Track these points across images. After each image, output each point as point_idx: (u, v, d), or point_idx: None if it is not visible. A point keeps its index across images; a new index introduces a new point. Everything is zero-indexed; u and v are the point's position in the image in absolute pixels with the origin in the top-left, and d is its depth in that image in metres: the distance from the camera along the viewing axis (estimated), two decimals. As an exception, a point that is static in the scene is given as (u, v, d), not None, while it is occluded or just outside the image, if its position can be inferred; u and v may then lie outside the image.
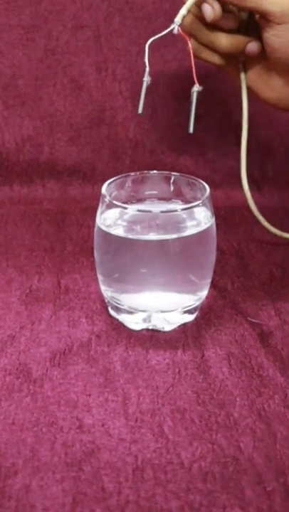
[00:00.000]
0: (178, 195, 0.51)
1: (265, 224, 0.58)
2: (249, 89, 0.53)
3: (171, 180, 0.51)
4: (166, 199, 0.51)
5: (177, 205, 0.50)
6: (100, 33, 0.71)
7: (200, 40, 0.50)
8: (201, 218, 0.47)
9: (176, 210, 0.47)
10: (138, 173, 0.51)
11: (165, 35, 0.47)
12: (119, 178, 0.50)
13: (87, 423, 0.40)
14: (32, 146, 0.71)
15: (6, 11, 0.70)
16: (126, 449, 0.38)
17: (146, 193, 0.51)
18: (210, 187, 0.48)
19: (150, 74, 0.47)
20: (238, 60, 0.52)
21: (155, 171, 0.52)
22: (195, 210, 0.47)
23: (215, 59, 0.51)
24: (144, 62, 0.47)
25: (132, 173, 0.51)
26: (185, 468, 0.37)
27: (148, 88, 0.48)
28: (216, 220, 0.48)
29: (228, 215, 0.66)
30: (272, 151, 0.73)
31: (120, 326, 0.49)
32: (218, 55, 0.51)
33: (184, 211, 0.47)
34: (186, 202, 0.49)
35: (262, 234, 0.63)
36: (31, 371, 0.44)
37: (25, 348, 0.46)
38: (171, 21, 0.69)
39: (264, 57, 0.50)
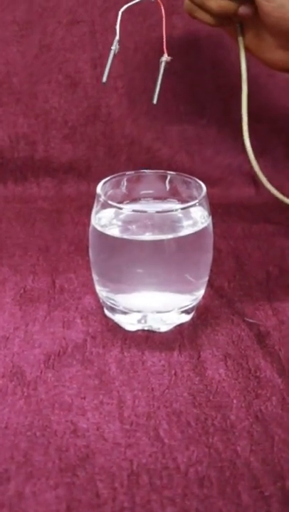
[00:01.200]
0: (174, 194, 0.50)
1: (268, 186, 0.57)
2: (247, 50, 0.54)
3: (167, 180, 0.50)
4: (162, 198, 0.50)
5: (173, 205, 0.49)
6: (95, 28, 0.70)
7: (193, 0, 0.50)
8: (197, 218, 0.47)
9: (172, 210, 0.46)
10: (133, 172, 0.50)
11: (140, 2, 0.47)
12: (114, 177, 0.49)
13: (82, 427, 0.39)
14: (27, 144, 0.71)
15: (1, 6, 0.69)
16: (121, 453, 0.38)
17: (142, 192, 0.50)
18: (207, 185, 0.47)
19: (119, 43, 0.47)
20: (232, 21, 0.52)
21: (151, 170, 0.51)
22: (191, 209, 0.46)
23: (208, 19, 0.52)
24: (115, 30, 0.46)
25: (128, 172, 0.50)
26: (181, 473, 0.36)
27: (114, 57, 0.47)
28: (213, 218, 0.48)
29: (225, 214, 0.66)
30: (270, 148, 0.72)
31: (116, 327, 0.48)
32: (212, 16, 0.51)
33: (180, 211, 0.46)
34: (183, 201, 0.49)
35: (259, 232, 0.62)
36: (25, 374, 0.44)
37: (19, 350, 0.46)
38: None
39: (258, 20, 0.50)
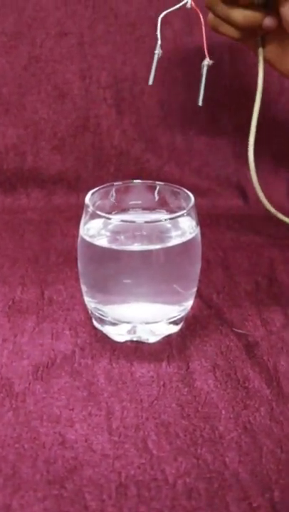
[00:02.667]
0: (162, 204, 0.50)
1: (264, 201, 0.58)
2: (267, 62, 0.54)
3: (156, 190, 0.50)
4: (151, 209, 0.50)
5: (161, 215, 0.49)
6: (84, 40, 0.70)
7: (217, 14, 0.50)
8: (185, 228, 0.47)
9: (160, 221, 0.46)
10: (122, 182, 0.50)
11: (178, 8, 0.49)
12: (102, 188, 0.49)
13: (70, 439, 0.39)
14: (16, 155, 0.71)
15: (-11, 18, 0.69)
16: (109, 465, 0.37)
17: (131, 202, 0.50)
18: (195, 195, 0.48)
19: (161, 47, 0.50)
20: (256, 34, 0.52)
21: (139, 181, 0.51)
22: (179, 219, 0.46)
23: (233, 33, 0.51)
24: (156, 35, 0.49)
25: (116, 183, 0.50)
26: (169, 484, 0.36)
27: (159, 61, 0.50)
28: (201, 228, 0.48)
29: (214, 224, 0.66)
30: (258, 159, 0.72)
31: (104, 338, 0.48)
32: (236, 29, 0.51)
33: (168, 221, 0.46)
34: (171, 211, 0.49)
35: (248, 243, 0.63)
36: (13, 385, 0.43)
37: (7, 362, 0.46)
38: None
39: (281, 32, 0.50)
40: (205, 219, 0.65)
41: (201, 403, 0.42)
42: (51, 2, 0.69)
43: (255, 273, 0.57)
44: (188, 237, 0.47)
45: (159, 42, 0.49)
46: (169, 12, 0.48)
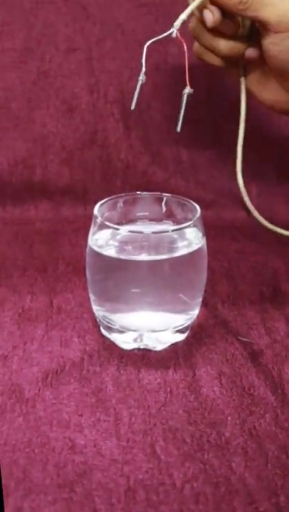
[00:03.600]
0: (169, 216, 0.51)
1: (260, 219, 0.59)
2: (248, 91, 0.55)
3: (163, 202, 0.51)
4: (158, 220, 0.52)
5: (168, 226, 0.50)
6: (92, 55, 0.72)
7: (202, 43, 0.52)
8: (192, 239, 0.48)
9: (167, 231, 0.47)
10: (130, 194, 0.52)
11: (164, 38, 0.49)
12: (111, 199, 0.50)
13: (79, 443, 0.40)
14: (25, 168, 0.72)
15: (0, 34, 0.71)
16: (118, 469, 0.38)
17: (138, 214, 0.52)
18: (201, 207, 0.49)
19: (146, 74, 0.49)
20: (238, 64, 0.54)
21: (147, 193, 0.52)
22: (186, 230, 0.47)
23: (216, 61, 0.53)
24: (141, 63, 0.49)
25: (124, 194, 0.51)
26: (177, 488, 0.37)
27: (142, 87, 0.50)
28: (207, 239, 0.49)
29: (219, 235, 0.67)
30: (261, 172, 0.74)
31: (112, 346, 0.49)
32: (219, 58, 0.53)
33: (175, 232, 0.47)
34: (178, 223, 0.50)
35: (252, 254, 0.64)
36: (23, 391, 0.44)
37: (17, 368, 0.46)
38: (162, 45, 0.71)
39: (263, 62, 0.52)
40: (210, 230, 0.65)
41: (208, 409, 0.43)
42: (60, 19, 0.71)
43: (260, 283, 0.58)
44: (194, 247, 0.47)
45: (144, 69, 0.49)
46: (155, 41, 0.49)
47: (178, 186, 0.73)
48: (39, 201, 0.72)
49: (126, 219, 0.51)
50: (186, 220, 0.48)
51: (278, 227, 0.63)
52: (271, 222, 0.63)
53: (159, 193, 0.52)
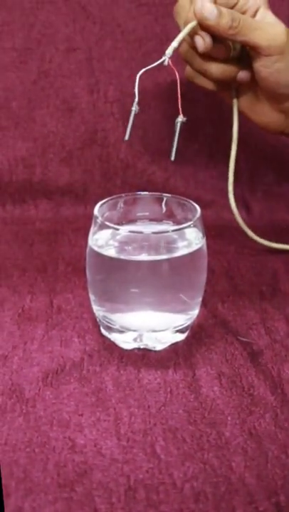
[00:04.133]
0: (169, 216, 0.51)
1: (254, 237, 0.60)
2: (241, 113, 0.56)
3: (163, 202, 0.51)
4: (158, 220, 0.52)
5: (168, 226, 0.50)
6: (92, 55, 0.72)
7: (194, 67, 0.52)
8: (192, 239, 0.48)
9: (167, 232, 0.47)
10: (130, 194, 0.52)
11: (156, 66, 0.49)
12: (111, 199, 0.50)
13: (80, 443, 0.40)
14: (25, 167, 0.72)
15: (0, 34, 0.71)
16: (118, 469, 0.38)
17: (138, 214, 0.52)
18: (200, 207, 0.49)
19: (139, 103, 0.49)
20: (230, 86, 0.54)
21: (147, 193, 0.52)
22: (186, 230, 0.47)
23: (208, 85, 0.54)
24: (134, 92, 0.48)
25: (124, 195, 0.51)
26: (177, 488, 0.37)
27: (136, 116, 0.49)
28: (207, 239, 0.49)
29: (219, 235, 0.67)
30: (259, 175, 0.74)
31: (112, 346, 0.49)
32: (211, 82, 0.53)
33: (175, 232, 0.47)
34: (178, 223, 0.50)
35: (252, 254, 0.64)
36: (24, 391, 0.44)
37: (17, 368, 0.47)
38: (162, 45, 0.71)
39: (254, 85, 0.52)
40: (210, 230, 0.65)
41: (208, 409, 0.43)
42: (60, 18, 0.71)
43: (259, 283, 0.58)
44: (194, 247, 0.48)
45: (136, 99, 0.49)
46: (148, 70, 0.49)
47: (178, 186, 0.73)
48: (39, 201, 0.72)
49: (126, 219, 0.51)
50: (186, 220, 0.49)
51: (278, 228, 0.63)
52: (271, 223, 0.63)
53: (159, 193, 0.52)
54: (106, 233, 0.48)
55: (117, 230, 0.47)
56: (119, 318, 0.49)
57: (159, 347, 0.49)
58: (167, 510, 0.36)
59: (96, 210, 0.48)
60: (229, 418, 0.42)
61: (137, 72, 0.72)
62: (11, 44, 0.71)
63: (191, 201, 0.50)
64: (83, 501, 0.36)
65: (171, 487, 0.37)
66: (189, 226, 0.47)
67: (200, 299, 0.50)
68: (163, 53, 0.50)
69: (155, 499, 0.36)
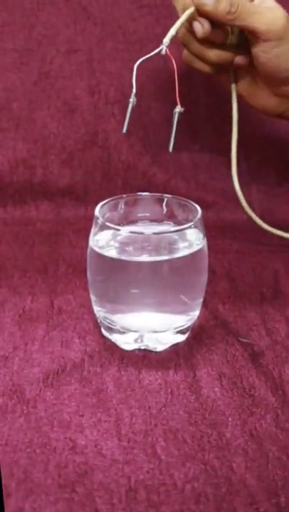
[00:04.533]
0: (170, 217, 0.51)
1: (257, 221, 0.60)
2: (239, 96, 0.56)
3: (164, 203, 0.52)
4: (159, 221, 0.52)
5: (169, 227, 0.50)
6: (92, 56, 0.72)
7: (191, 51, 0.52)
8: (192, 240, 0.48)
9: (168, 232, 0.47)
10: (131, 195, 0.52)
11: (153, 55, 0.49)
12: (112, 200, 0.50)
13: (80, 444, 0.40)
14: (25, 168, 0.72)
15: (0, 35, 0.71)
16: (119, 470, 0.38)
17: (139, 214, 0.52)
18: (201, 208, 0.49)
19: (136, 95, 0.49)
20: (228, 70, 0.54)
21: (148, 193, 0.52)
22: (187, 231, 0.47)
23: (206, 68, 0.54)
24: (132, 83, 0.48)
25: (125, 195, 0.51)
26: (178, 489, 0.37)
27: (133, 109, 0.49)
28: (208, 240, 0.49)
29: (219, 236, 0.67)
30: (261, 175, 0.74)
31: (113, 346, 0.49)
32: (209, 66, 0.53)
33: (175, 233, 0.47)
34: (179, 223, 0.50)
35: (253, 255, 0.64)
36: (24, 392, 0.44)
37: (18, 369, 0.47)
38: (160, 44, 0.71)
39: (252, 69, 0.52)
40: (210, 231, 0.65)
41: (208, 410, 0.43)
42: (61, 20, 0.71)
43: (260, 284, 0.58)
44: (195, 248, 0.48)
45: (134, 90, 0.49)
46: (145, 59, 0.49)
47: (178, 187, 0.73)
48: (40, 202, 0.72)
49: (127, 220, 0.51)
50: (187, 221, 0.49)
51: (279, 227, 0.63)
52: (272, 223, 0.63)
53: (159, 194, 0.52)
54: (107, 234, 0.48)
55: (118, 230, 0.47)
56: (120, 319, 0.49)
57: (159, 348, 0.49)
58: (168, 511, 0.36)
59: (97, 211, 0.48)
60: (230, 419, 0.42)
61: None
62: (11, 45, 0.71)
63: (191, 202, 0.50)
64: (84, 502, 0.36)
65: (171, 488, 0.37)
66: (190, 227, 0.47)
67: (201, 299, 0.50)
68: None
69: (156, 500, 0.36)
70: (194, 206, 0.49)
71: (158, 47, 0.71)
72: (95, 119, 0.72)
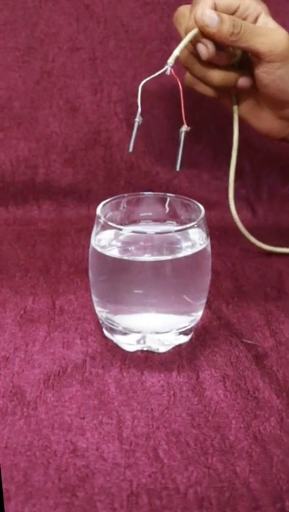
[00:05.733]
0: (173, 216, 0.51)
1: (256, 242, 0.59)
2: (242, 120, 0.56)
3: (167, 202, 0.51)
4: (161, 220, 0.51)
5: (172, 227, 0.50)
6: (95, 55, 0.71)
7: (194, 73, 0.52)
8: (196, 239, 0.48)
9: (170, 232, 0.47)
10: (133, 194, 0.51)
11: (158, 76, 0.49)
12: (114, 199, 0.50)
13: (81, 447, 0.39)
14: (27, 168, 0.72)
15: (2, 33, 0.70)
16: (120, 473, 0.38)
17: (142, 214, 0.51)
18: (205, 208, 0.48)
19: (142, 114, 0.49)
20: (231, 93, 0.54)
21: (150, 193, 0.52)
22: (190, 231, 0.47)
23: (209, 91, 0.53)
24: (137, 103, 0.48)
25: (127, 195, 0.51)
26: (181, 493, 0.36)
27: (139, 127, 0.49)
28: (211, 240, 0.48)
29: (223, 236, 0.67)
30: (265, 176, 0.73)
31: (115, 348, 0.49)
32: (212, 88, 0.53)
33: (178, 232, 0.47)
34: (181, 223, 0.50)
35: (256, 255, 0.63)
36: (25, 393, 0.44)
37: (19, 370, 0.46)
38: (166, 44, 0.71)
39: (255, 91, 0.52)
40: (214, 231, 0.65)
41: (212, 413, 0.42)
42: (63, 18, 0.71)
43: (264, 284, 0.58)
44: (198, 248, 0.47)
45: (140, 110, 0.49)
46: (149, 80, 0.48)
47: (181, 187, 0.72)
48: (42, 201, 0.72)
49: (129, 219, 0.51)
50: (190, 220, 0.48)
51: (283, 228, 0.63)
52: (276, 224, 0.63)
53: (162, 194, 0.52)
54: (109, 233, 0.48)
55: (120, 230, 0.47)
56: (122, 320, 0.48)
57: (162, 349, 0.48)
58: (170, 516, 0.35)
59: (99, 210, 0.48)
60: (233, 422, 0.42)
61: (141, 72, 0.72)
62: (13, 43, 0.71)
63: (194, 201, 0.49)
64: (85, 506, 0.35)
65: (174, 492, 0.36)
66: (193, 226, 0.47)
67: (204, 300, 0.49)
68: (167, 55, 0.50)
69: (158, 504, 0.36)
70: (197, 205, 0.49)
71: (161, 45, 0.71)
72: (97, 118, 0.72)
